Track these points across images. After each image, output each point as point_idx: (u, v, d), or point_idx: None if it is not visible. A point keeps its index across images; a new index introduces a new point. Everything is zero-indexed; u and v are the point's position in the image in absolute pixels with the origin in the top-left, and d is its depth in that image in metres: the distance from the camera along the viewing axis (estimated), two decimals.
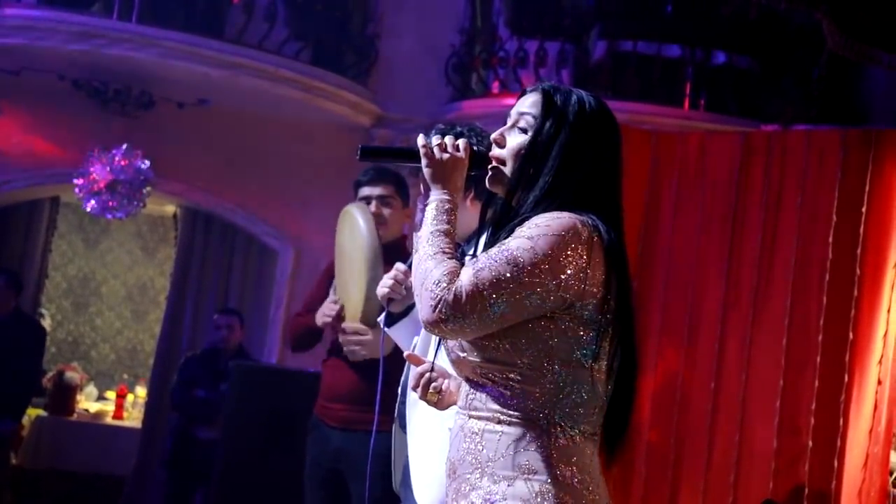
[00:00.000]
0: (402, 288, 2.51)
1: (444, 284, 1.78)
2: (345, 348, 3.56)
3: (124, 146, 6.06)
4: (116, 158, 5.97)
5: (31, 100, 6.47)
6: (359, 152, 2.00)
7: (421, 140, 1.96)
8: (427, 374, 2.06)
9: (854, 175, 4.49)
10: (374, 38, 6.81)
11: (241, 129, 6.75)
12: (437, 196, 1.91)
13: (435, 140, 1.95)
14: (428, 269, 1.82)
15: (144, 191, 6.08)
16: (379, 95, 6.78)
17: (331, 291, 3.76)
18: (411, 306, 2.53)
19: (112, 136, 6.18)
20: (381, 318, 2.58)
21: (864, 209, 4.45)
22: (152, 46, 5.87)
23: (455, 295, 1.76)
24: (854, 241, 4.45)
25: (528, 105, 1.95)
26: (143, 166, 6.02)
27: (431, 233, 1.87)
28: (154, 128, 6.42)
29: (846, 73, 6.35)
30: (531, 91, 1.98)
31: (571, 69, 6.47)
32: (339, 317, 3.59)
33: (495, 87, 6.68)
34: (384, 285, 2.53)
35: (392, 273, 2.55)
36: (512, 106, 2.01)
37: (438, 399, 2.07)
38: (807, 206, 4.60)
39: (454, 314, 1.76)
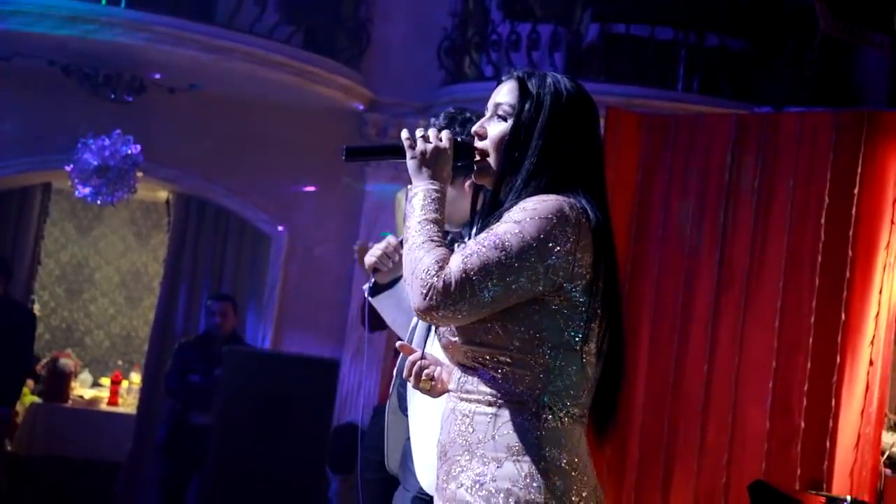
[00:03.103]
0: (390, 261, 2.51)
1: (434, 272, 1.78)
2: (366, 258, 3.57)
3: (115, 132, 6.04)
4: (107, 144, 5.95)
5: (21, 86, 6.44)
6: (344, 154, 2.01)
7: (404, 133, 1.98)
8: (419, 363, 2.06)
9: (846, 156, 4.50)
10: (366, 22, 6.78)
11: (233, 114, 6.73)
12: (424, 186, 1.92)
13: (418, 132, 1.97)
14: (418, 257, 1.82)
15: (135, 176, 6.05)
16: (371, 79, 6.75)
17: None
18: (397, 279, 2.54)
19: (103, 122, 6.16)
20: (366, 287, 2.59)
21: (856, 191, 4.46)
22: (142, 31, 5.83)
23: (444, 282, 1.77)
24: (846, 222, 4.46)
25: (503, 94, 1.97)
26: (134, 152, 5.99)
27: (420, 222, 1.88)
28: (145, 113, 6.39)
29: (839, 54, 6.34)
30: (506, 80, 2.00)
31: (564, 52, 6.45)
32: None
33: (488, 70, 6.66)
34: (372, 254, 2.54)
35: (382, 244, 2.55)
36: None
37: (431, 386, 2.08)
38: (799, 188, 4.61)
39: (444, 301, 1.77)
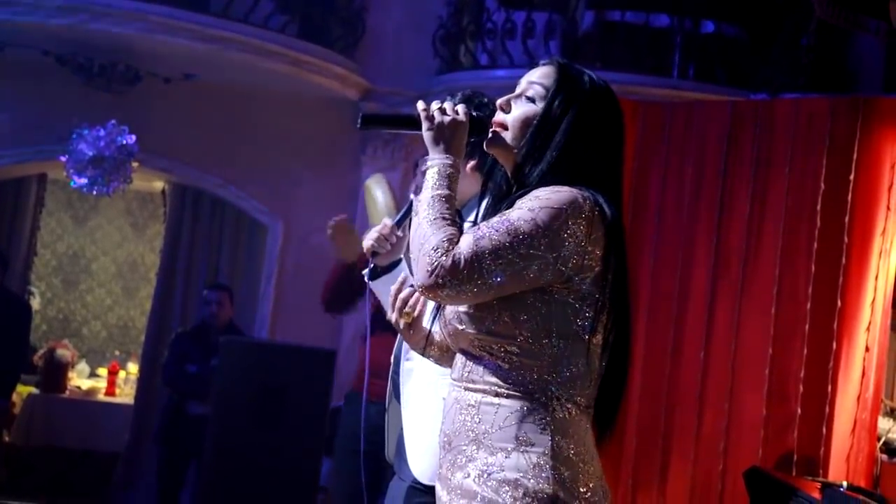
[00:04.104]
0: (387, 243, 2.51)
1: (443, 250, 1.77)
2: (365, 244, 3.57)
3: (110, 122, 6.02)
4: (103, 134, 5.93)
5: (15, 76, 6.42)
6: (360, 120, 2.00)
7: (421, 105, 1.95)
8: (402, 296, 2.06)
9: (842, 143, 4.50)
10: (361, 11, 6.76)
11: (229, 104, 6.71)
12: (439, 160, 1.90)
13: (434, 105, 1.95)
14: (426, 233, 1.81)
15: (131, 166, 6.04)
16: (367, 68, 6.73)
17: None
18: (396, 262, 2.54)
19: (98, 112, 6.14)
20: (366, 272, 2.59)
21: (851, 177, 4.46)
22: (137, 21, 5.82)
23: (453, 261, 1.76)
24: (842, 208, 4.46)
25: (538, 76, 1.95)
26: (129, 142, 5.98)
27: (432, 197, 1.86)
28: (140, 103, 6.38)
29: (834, 40, 6.34)
30: (544, 64, 1.98)
31: (559, 40, 6.44)
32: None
33: (483, 59, 6.65)
34: (369, 238, 2.53)
35: (379, 227, 2.55)
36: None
37: (413, 320, 2.07)
38: (795, 175, 4.61)
39: (451, 280, 1.76)
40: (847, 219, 4.45)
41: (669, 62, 6.40)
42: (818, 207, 4.51)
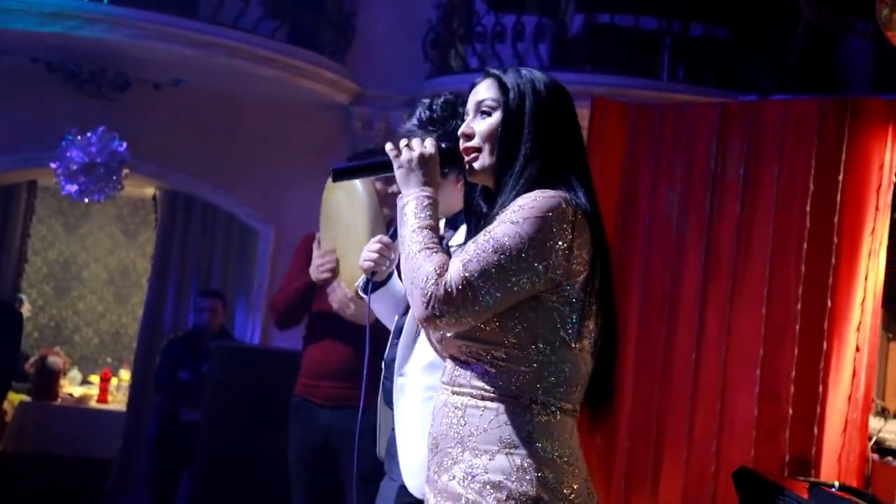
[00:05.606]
0: (386, 260, 2.51)
1: (433, 280, 1.78)
2: (335, 305, 3.53)
3: (100, 128, 6.02)
4: (93, 141, 5.93)
5: (4, 83, 6.41)
6: (332, 175, 2.03)
7: (388, 146, 1.99)
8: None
9: (831, 144, 4.51)
10: (351, 15, 6.76)
11: (219, 109, 6.71)
12: (416, 193, 1.92)
13: (402, 142, 1.98)
14: (416, 266, 1.82)
15: (122, 173, 6.04)
16: (357, 73, 6.74)
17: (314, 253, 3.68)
18: (389, 275, 2.54)
19: (88, 119, 6.13)
20: (359, 283, 2.58)
21: (840, 177, 4.47)
22: (126, 27, 5.81)
23: (445, 290, 1.77)
24: (831, 209, 4.48)
25: (483, 91, 2.00)
26: (119, 148, 5.97)
27: (414, 230, 1.87)
28: (130, 109, 6.37)
29: (823, 42, 6.36)
30: (480, 81, 2.03)
31: (549, 43, 6.45)
32: (334, 270, 3.53)
33: (473, 62, 6.66)
34: (368, 258, 2.53)
35: (375, 245, 2.54)
36: None
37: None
38: (784, 176, 4.62)
39: (447, 308, 1.77)
40: (836, 219, 4.47)
41: (659, 64, 6.42)
42: (807, 208, 4.52)
